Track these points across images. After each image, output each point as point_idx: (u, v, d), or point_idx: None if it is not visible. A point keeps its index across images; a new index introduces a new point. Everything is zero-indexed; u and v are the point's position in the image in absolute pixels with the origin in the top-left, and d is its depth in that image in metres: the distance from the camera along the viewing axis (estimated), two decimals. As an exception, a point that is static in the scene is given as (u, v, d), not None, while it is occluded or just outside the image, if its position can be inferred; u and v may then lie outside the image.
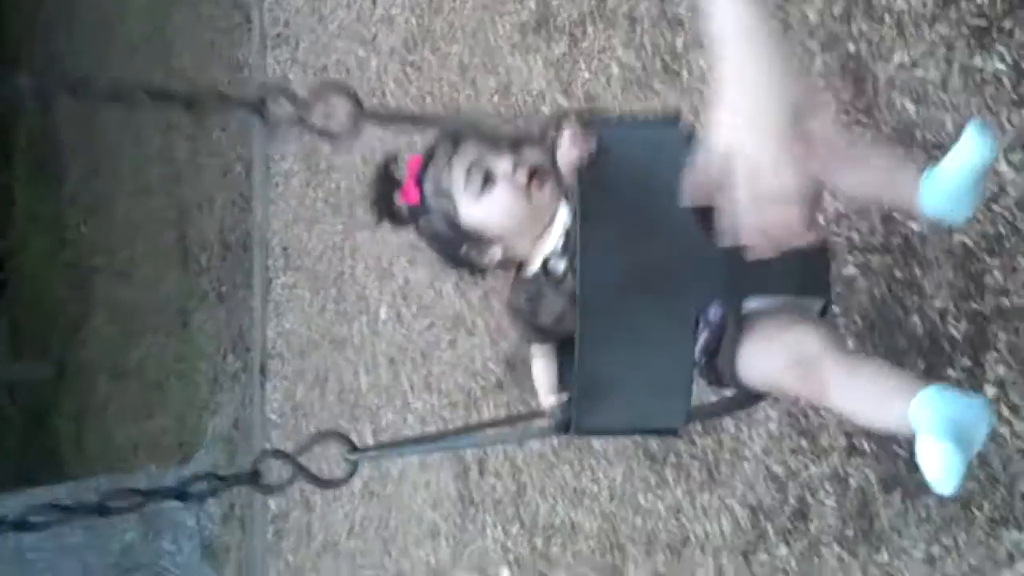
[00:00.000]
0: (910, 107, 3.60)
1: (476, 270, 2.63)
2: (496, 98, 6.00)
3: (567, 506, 5.33)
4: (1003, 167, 3.29)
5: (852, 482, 3.77)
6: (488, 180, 2.45)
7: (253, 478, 2.51)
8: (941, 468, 2.13)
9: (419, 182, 2.51)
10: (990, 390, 3.30)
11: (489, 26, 6.15)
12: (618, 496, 4.97)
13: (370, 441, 7.24)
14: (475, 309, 6.13)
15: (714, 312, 2.44)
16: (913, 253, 3.57)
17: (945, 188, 2.38)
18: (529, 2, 5.77)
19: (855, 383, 2.31)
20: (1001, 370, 3.28)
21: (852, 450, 3.78)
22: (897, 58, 3.67)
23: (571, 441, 5.26)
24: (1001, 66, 3.33)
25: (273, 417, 8.94)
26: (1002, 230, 3.30)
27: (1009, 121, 3.29)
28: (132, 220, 12.91)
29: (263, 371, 9.14)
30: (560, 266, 2.46)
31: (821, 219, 3.35)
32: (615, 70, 5.09)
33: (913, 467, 3.47)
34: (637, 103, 4.91)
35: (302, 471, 2.53)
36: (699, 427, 4.48)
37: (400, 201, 2.54)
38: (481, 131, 2.59)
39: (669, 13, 4.78)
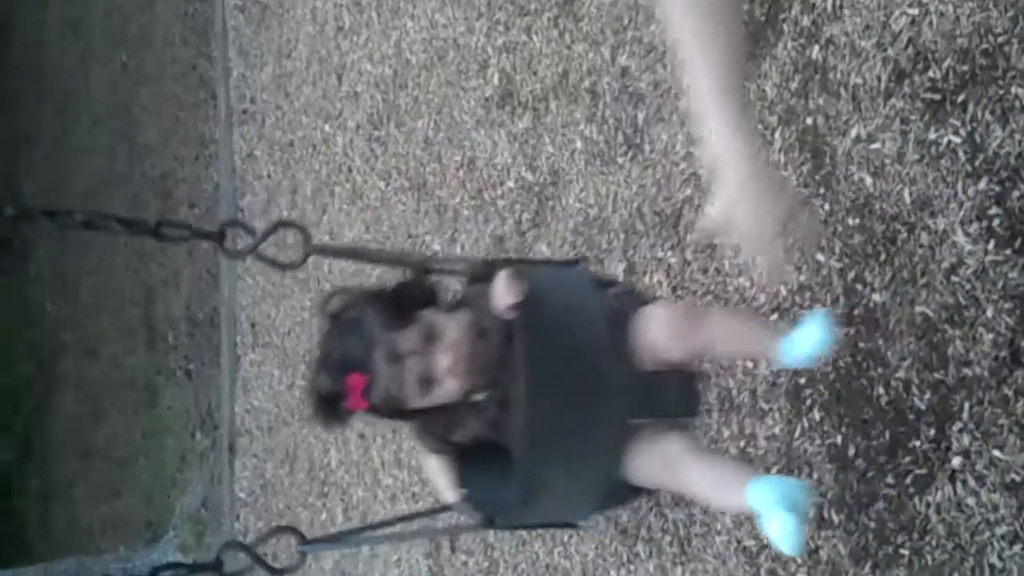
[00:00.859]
0: (868, 180, 3.64)
1: (409, 420, 2.89)
2: (461, 172, 6.04)
3: (539, 582, 5.30)
4: (960, 239, 3.33)
5: (822, 554, 3.76)
6: (430, 383, 2.69)
7: (217, 566, 2.64)
8: (785, 534, 2.53)
9: (365, 396, 2.68)
10: (956, 460, 3.32)
11: (454, 101, 6.20)
12: (590, 572, 4.95)
13: (340, 519, 7.20)
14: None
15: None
16: (876, 325, 3.60)
17: (797, 359, 2.94)
18: (493, 78, 5.83)
19: (705, 479, 2.82)
20: (966, 440, 3.29)
21: (821, 522, 3.78)
22: (854, 132, 3.72)
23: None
24: (956, 139, 3.37)
25: (242, 495, 8.87)
26: (962, 300, 3.33)
27: (965, 193, 3.33)
28: (98, 297, 12.87)
29: (232, 449, 9.08)
30: (481, 399, 2.77)
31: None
32: (578, 144, 5.13)
33: (883, 539, 3.49)
34: (600, 176, 4.95)
35: (258, 561, 2.70)
36: (670, 500, 4.47)
37: (348, 407, 2.71)
38: (424, 270, 2.98)
39: (630, 88, 4.83)
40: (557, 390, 2.73)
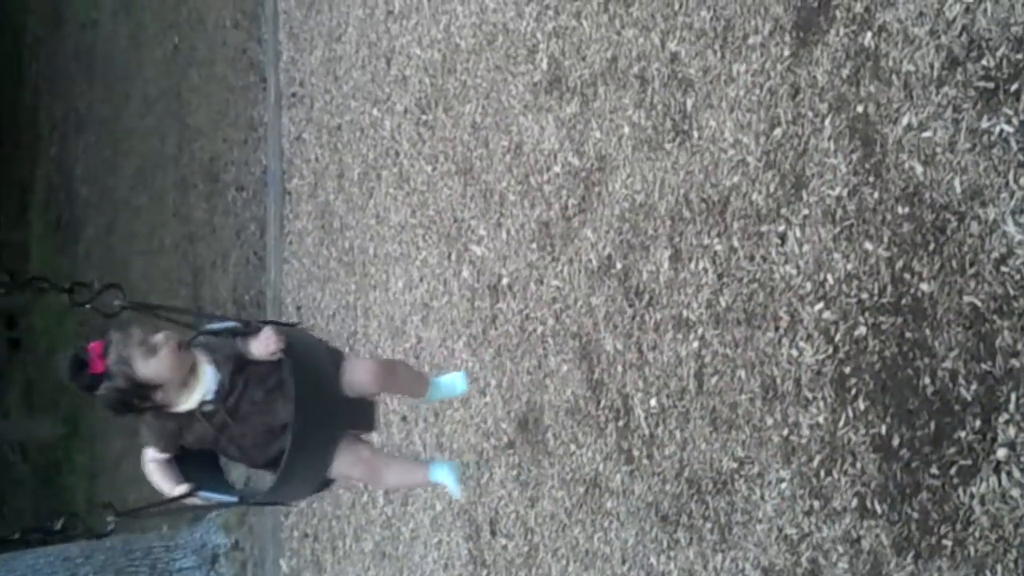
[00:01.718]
0: (918, 168, 3.62)
1: (141, 410, 3.84)
2: (508, 157, 6.05)
3: (579, 568, 5.30)
4: (1011, 228, 3.30)
5: (864, 544, 3.75)
6: (153, 349, 3.70)
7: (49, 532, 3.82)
8: (455, 488, 4.48)
9: (103, 357, 3.68)
10: (1001, 451, 3.29)
11: (502, 86, 6.20)
12: (630, 558, 4.95)
13: (381, 502, 7.24)
14: (487, 368, 6.14)
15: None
16: (923, 314, 3.57)
17: (433, 400, 5.22)
18: (541, 63, 5.82)
19: (394, 468, 4.54)
20: (1012, 431, 3.27)
21: (865, 512, 3.76)
22: (905, 120, 3.69)
23: (585, 502, 5.25)
24: (1008, 128, 3.34)
25: (285, 476, 8.91)
26: (1011, 291, 3.30)
27: (1016, 183, 3.30)
28: (147, 277, 12.97)
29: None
30: (210, 408, 3.87)
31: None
32: (626, 130, 5.12)
33: (926, 529, 3.47)
34: (647, 163, 4.94)
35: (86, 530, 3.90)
36: (711, 487, 4.47)
37: (89, 372, 3.69)
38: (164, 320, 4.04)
39: (679, 74, 4.82)
40: (314, 409, 3.93)
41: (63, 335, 15.63)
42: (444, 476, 4.47)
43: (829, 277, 3.96)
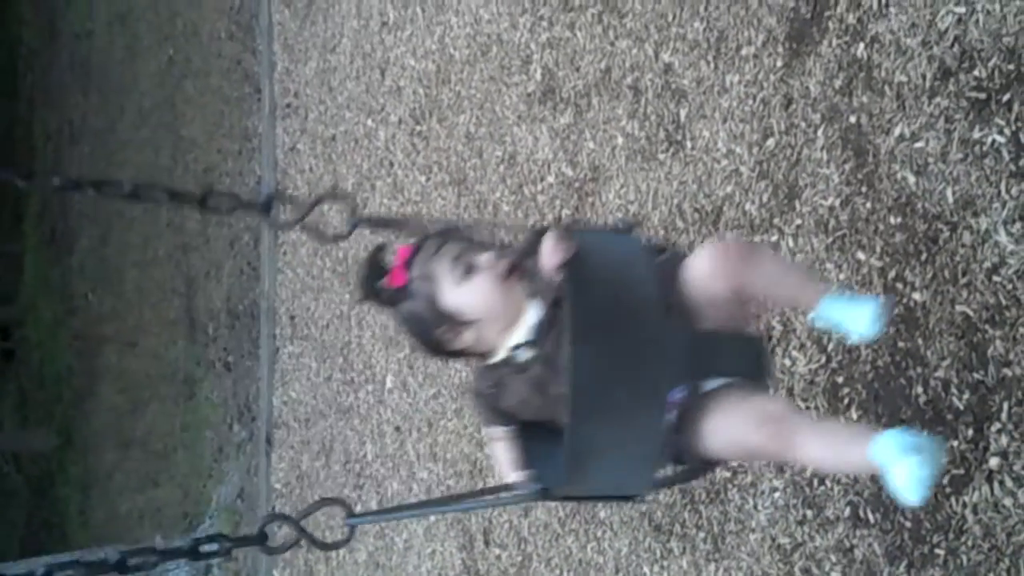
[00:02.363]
0: (910, 179, 3.63)
1: (446, 352, 2.86)
2: (502, 168, 6.06)
3: (572, 577, 5.30)
4: (1003, 238, 3.31)
5: (857, 553, 3.75)
6: (471, 270, 2.72)
7: (260, 539, 2.64)
8: (909, 480, 2.37)
9: (407, 267, 2.74)
10: (993, 460, 3.30)
11: (496, 97, 6.21)
12: (624, 567, 4.95)
13: (374, 507, 7.22)
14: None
15: (678, 394, 2.71)
16: (916, 324, 3.58)
17: (830, 324, 2.86)
18: (535, 73, 5.84)
19: (820, 434, 2.63)
20: (1004, 440, 3.28)
21: (858, 521, 3.76)
22: (898, 130, 3.71)
23: (577, 511, 5.25)
24: (1000, 138, 3.36)
25: (278, 487, 8.92)
26: (1003, 300, 3.31)
27: (1008, 193, 3.32)
28: (140, 289, 12.97)
29: (269, 440, 9.13)
30: (525, 356, 2.75)
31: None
32: (619, 140, 5.14)
33: (919, 539, 3.47)
34: (641, 173, 4.96)
35: (304, 534, 2.68)
36: (704, 497, 4.47)
37: (387, 283, 2.77)
38: (472, 237, 2.89)
39: (673, 84, 4.83)
40: (607, 351, 2.63)
41: (57, 347, 15.62)
42: (899, 458, 2.39)
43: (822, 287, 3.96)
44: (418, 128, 7.11)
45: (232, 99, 10.76)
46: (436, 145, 6.86)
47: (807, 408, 3.98)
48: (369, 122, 7.84)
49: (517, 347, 2.76)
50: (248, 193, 10.13)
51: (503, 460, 2.85)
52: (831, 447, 2.60)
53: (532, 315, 2.76)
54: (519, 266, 2.76)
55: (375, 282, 2.78)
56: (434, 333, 2.79)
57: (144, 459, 12.27)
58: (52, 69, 17.66)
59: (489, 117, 6.27)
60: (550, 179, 5.63)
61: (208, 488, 10.33)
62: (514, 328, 2.78)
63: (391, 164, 7.46)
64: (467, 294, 2.72)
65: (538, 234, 2.74)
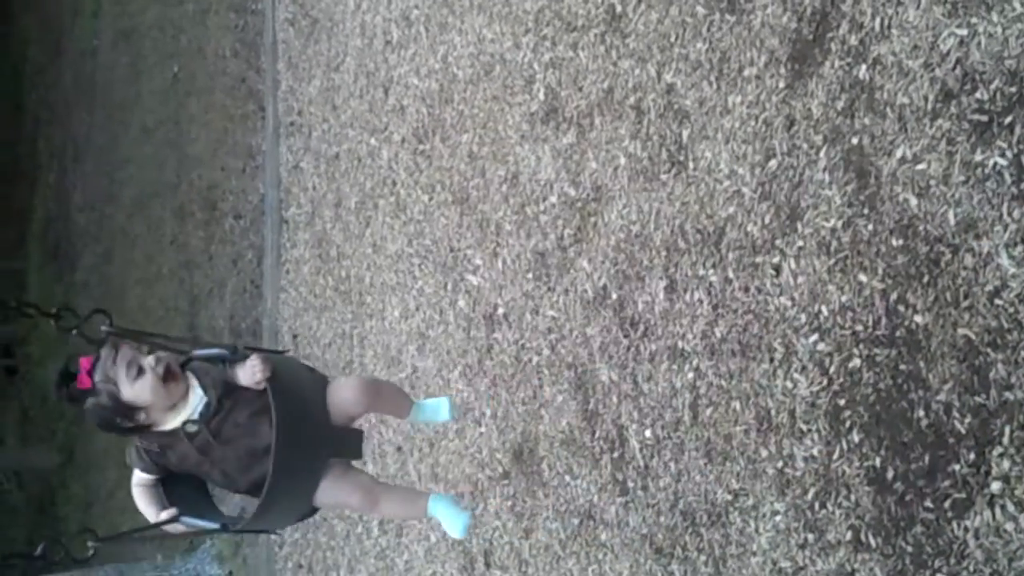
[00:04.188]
0: (912, 201, 3.62)
1: (125, 430, 3.84)
2: (505, 187, 6.05)
3: (573, 599, 5.27)
4: (1004, 261, 3.30)
5: (859, 577, 3.73)
6: (140, 372, 3.71)
7: (39, 557, 3.66)
8: (459, 526, 4.21)
9: (90, 374, 3.70)
10: (995, 485, 3.28)
11: (499, 116, 6.21)
12: (624, 589, 4.92)
13: (375, 532, 7.21)
14: (482, 398, 6.12)
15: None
16: (918, 347, 3.56)
17: (418, 420, 4.89)
18: (538, 93, 5.84)
19: (394, 497, 4.44)
20: (1006, 465, 3.25)
21: (859, 545, 3.74)
22: (900, 152, 3.69)
23: (579, 533, 5.22)
24: (1002, 161, 3.35)
25: (280, 505, 8.89)
26: (1005, 324, 3.29)
27: (1010, 216, 3.30)
28: (143, 306, 12.96)
29: (270, 459, 9.09)
30: (193, 428, 3.84)
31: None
32: (622, 160, 5.13)
33: (920, 563, 3.45)
34: (643, 193, 4.95)
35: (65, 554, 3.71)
36: (706, 520, 4.45)
37: (76, 386, 3.71)
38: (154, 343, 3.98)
39: (675, 105, 4.83)
40: (296, 435, 3.85)
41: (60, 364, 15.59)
42: (443, 512, 4.26)
43: (824, 309, 3.96)
44: (421, 147, 7.11)
45: (236, 117, 10.78)
46: (439, 164, 6.86)
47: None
48: (372, 141, 7.84)
49: (187, 422, 3.83)
50: (252, 211, 10.15)
51: (148, 502, 3.99)
52: (404, 505, 4.45)
53: (196, 399, 3.85)
54: (175, 367, 3.81)
55: (66, 386, 3.72)
56: (115, 419, 3.76)
57: (146, 477, 12.22)
58: (57, 86, 17.70)
59: (492, 136, 6.26)
60: (552, 199, 5.62)
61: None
62: (178, 409, 3.84)
63: (394, 183, 7.46)
64: (138, 390, 3.71)
65: (233, 349, 4.02)
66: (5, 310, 3.95)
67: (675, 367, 4.67)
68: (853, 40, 3.95)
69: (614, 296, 5.11)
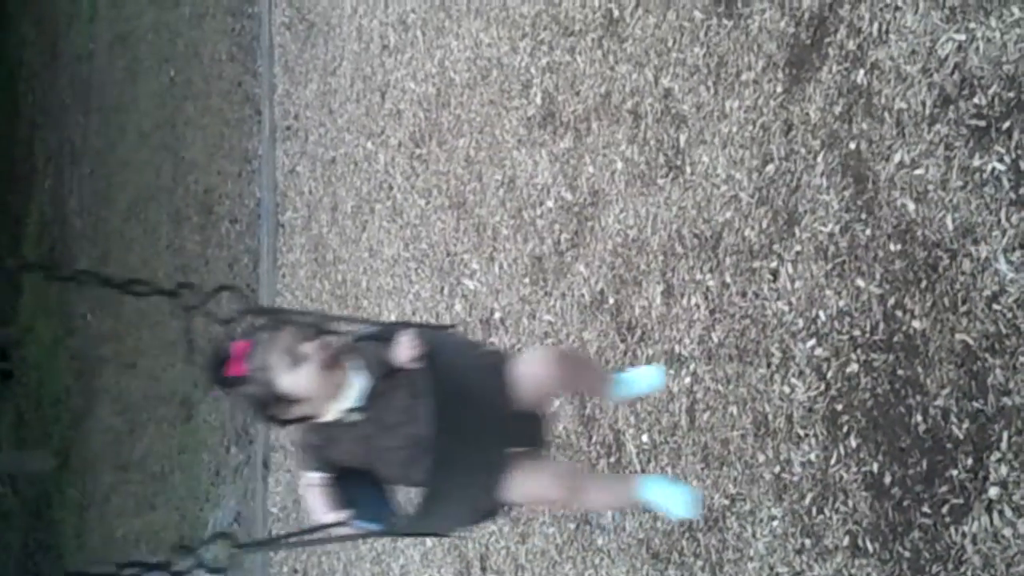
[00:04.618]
0: (910, 206, 3.61)
1: (282, 422, 3.42)
2: (501, 192, 6.04)
3: (569, 604, 5.26)
4: (1002, 266, 3.29)
5: (856, 583, 3.73)
6: (298, 360, 3.29)
7: (164, 566, 3.15)
8: (681, 502, 3.64)
9: (246, 359, 3.30)
10: (993, 490, 3.27)
11: (496, 121, 6.21)
12: (620, 594, 4.91)
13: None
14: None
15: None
16: (916, 352, 3.56)
17: (622, 396, 4.10)
18: (535, 98, 5.83)
19: (599, 485, 3.98)
20: (1004, 470, 3.25)
21: (856, 550, 3.74)
22: (897, 157, 3.69)
23: (575, 538, 5.21)
24: (1000, 166, 3.34)
25: (275, 511, 8.88)
26: (1003, 329, 3.29)
27: (1008, 221, 3.30)
28: (139, 310, 12.92)
29: (266, 464, 9.09)
30: (354, 418, 3.40)
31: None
32: (619, 165, 5.13)
33: (918, 569, 3.44)
34: (640, 198, 4.94)
35: (200, 563, 3.20)
36: (702, 525, 4.44)
37: (229, 373, 3.32)
38: (314, 326, 3.52)
39: (672, 109, 4.82)
40: (455, 425, 3.35)
41: (55, 368, 15.59)
42: (660, 493, 3.68)
43: (821, 314, 3.95)
44: (418, 151, 7.11)
45: (232, 121, 10.76)
46: (436, 168, 6.85)
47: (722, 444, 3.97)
48: (369, 145, 7.83)
49: (348, 411, 3.40)
50: (248, 215, 10.14)
51: (318, 502, 3.46)
52: (610, 491, 3.91)
53: (357, 386, 3.41)
54: (338, 354, 3.38)
55: (218, 371, 3.33)
56: (271, 410, 3.36)
57: (141, 481, 12.22)
58: (53, 90, 17.68)
59: (489, 141, 6.26)
60: (549, 203, 5.62)
61: (205, 512, 10.28)
62: (339, 398, 3.39)
63: (390, 187, 7.45)
64: (297, 381, 3.29)
65: (391, 328, 3.56)
66: (114, 286, 3.53)
67: (672, 372, 4.67)
68: (851, 45, 3.94)
69: (611, 301, 5.10)
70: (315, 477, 3.47)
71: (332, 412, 3.40)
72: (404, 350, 3.40)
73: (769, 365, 4.18)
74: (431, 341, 3.45)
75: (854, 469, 3.76)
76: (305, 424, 3.43)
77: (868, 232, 3.78)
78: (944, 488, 3.43)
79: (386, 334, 3.53)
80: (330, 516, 3.44)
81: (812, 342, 3.98)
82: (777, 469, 4.10)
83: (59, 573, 11.95)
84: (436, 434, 3.29)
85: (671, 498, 3.63)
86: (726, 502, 4.35)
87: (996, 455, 3.28)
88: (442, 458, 3.32)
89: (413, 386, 3.38)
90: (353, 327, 3.74)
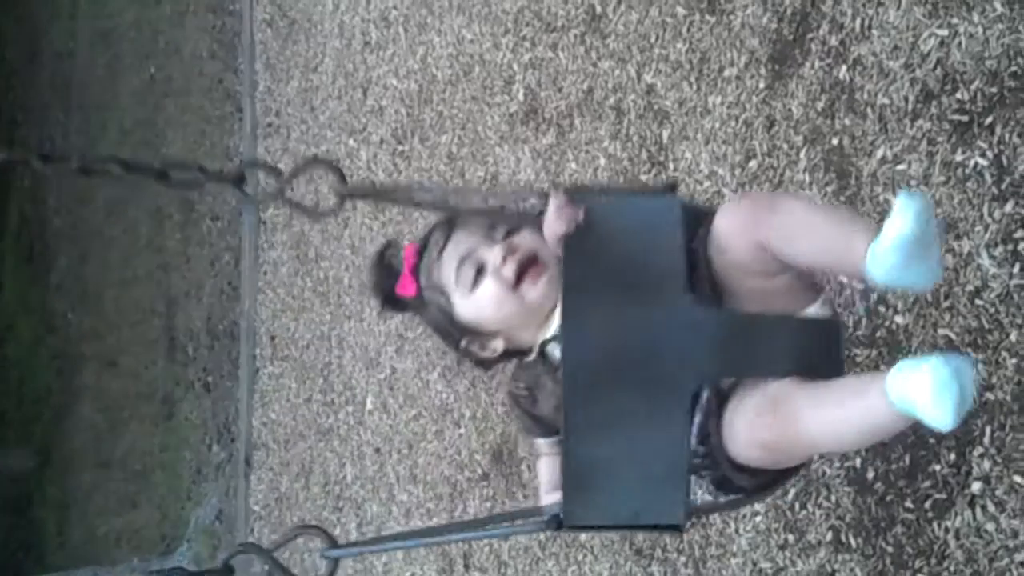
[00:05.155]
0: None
1: (481, 363, 2.52)
2: (484, 188, 6.03)
3: (552, 601, 5.26)
4: (985, 262, 3.30)
5: (839, 578, 3.73)
6: (480, 272, 2.37)
7: (226, 572, 2.35)
8: (946, 409, 1.89)
9: (415, 274, 2.45)
10: (975, 485, 3.28)
11: (478, 117, 6.19)
12: (604, 591, 4.91)
13: (353, 535, 7.16)
14: (462, 400, 6.10)
15: (706, 392, 2.25)
16: (899, 347, 3.56)
17: (889, 261, 2.08)
18: (518, 94, 5.82)
19: (829, 400, 2.11)
20: (986, 465, 3.25)
21: (839, 545, 3.74)
22: (880, 152, 3.70)
23: (558, 534, 5.20)
24: (982, 161, 3.35)
25: (257, 509, 8.85)
26: (986, 324, 3.29)
27: (991, 216, 3.30)
28: (120, 308, 12.88)
29: (248, 462, 9.06)
30: (558, 352, 2.30)
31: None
32: (602, 161, 5.12)
33: (901, 564, 3.44)
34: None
35: (279, 568, 2.41)
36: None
37: (399, 291, 2.49)
38: (469, 212, 2.51)
39: (655, 105, 4.82)
40: (609, 343, 2.24)
41: (36, 365, 15.51)
42: (922, 388, 1.89)
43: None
44: (400, 148, 7.09)
45: (214, 118, 10.72)
46: (418, 165, 6.84)
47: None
48: (351, 142, 7.81)
49: (548, 341, 2.37)
50: (229, 213, 10.10)
51: (542, 480, 2.48)
52: (846, 407, 2.07)
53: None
54: (535, 261, 2.36)
55: (388, 289, 2.51)
56: (460, 345, 2.49)
57: (123, 480, 12.17)
58: (33, 87, 17.57)
59: (471, 137, 6.25)
60: (533, 200, 5.60)
61: (187, 510, 10.25)
62: (547, 322, 2.38)
63: (373, 184, 7.43)
64: (478, 305, 2.39)
65: (546, 195, 2.34)
66: (140, 172, 2.30)
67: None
68: (833, 41, 3.95)
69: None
70: (542, 444, 2.48)
71: (537, 344, 2.42)
72: (547, 227, 2.29)
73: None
74: (593, 211, 2.29)
75: (837, 464, 3.77)
76: (513, 365, 2.51)
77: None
78: (927, 483, 3.43)
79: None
80: (549, 497, 2.43)
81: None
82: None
83: (40, 572, 11.86)
84: (570, 364, 2.25)
85: (935, 394, 1.88)
86: (709, 498, 4.34)
87: (979, 450, 3.28)
88: (583, 405, 2.24)
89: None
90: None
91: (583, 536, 5.03)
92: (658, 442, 2.23)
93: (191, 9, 11.79)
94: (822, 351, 2.29)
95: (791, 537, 3.94)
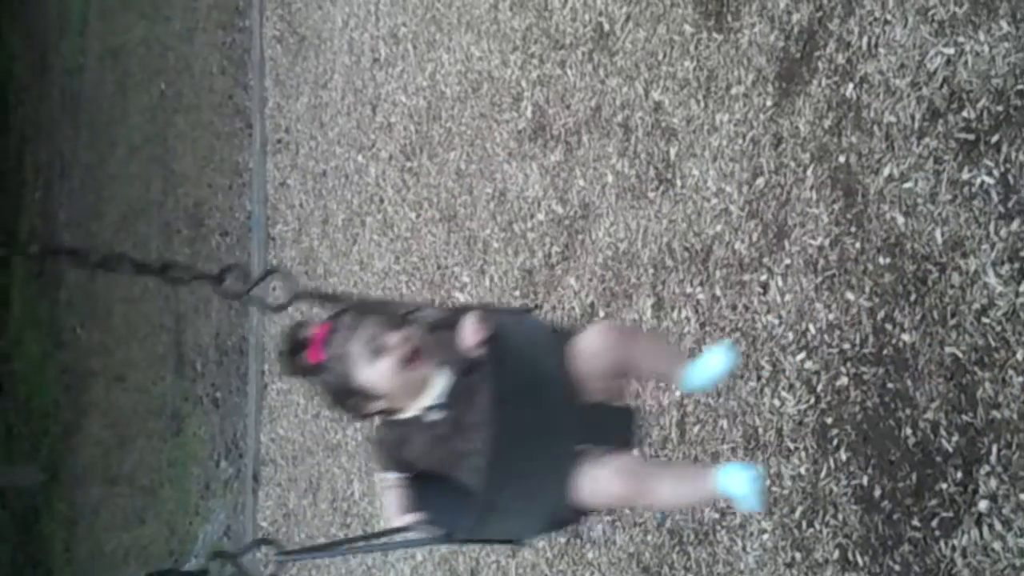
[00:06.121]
0: (899, 219, 3.62)
1: (359, 416, 3.12)
2: (492, 204, 6.04)
3: (559, 618, 5.25)
4: (991, 280, 3.30)
5: (846, 596, 3.72)
6: (379, 351, 2.96)
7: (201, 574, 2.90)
8: (755, 498, 2.93)
9: (324, 346, 2.99)
10: (983, 503, 3.27)
11: (486, 134, 6.21)
12: (611, 608, 4.90)
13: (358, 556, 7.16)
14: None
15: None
16: (905, 365, 3.56)
17: (696, 384, 3.19)
18: (526, 111, 5.84)
19: (672, 476, 3.24)
20: (993, 483, 3.25)
21: (846, 564, 3.73)
22: (887, 170, 3.70)
23: (566, 552, 5.20)
24: (989, 180, 3.35)
25: (265, 525, 8.85)
26: (992, 342, 3.29)
27: (997, 234, 3.31)
28: (128, 324, 12.91)
29: (256, 478, 9.06)
30: (434, 416, 3.02)
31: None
32: (610, 178, 5.13)
33: (907, 582, 3.43)
34: (631, 211, 4.95)
35: (241, 570, 2.92)
36: (693, 538, 4.43)
37: (306, 359, 3.02)
38: (387, 314, 3.12)
39: (663, 123, 4.83)
40: (520, 419, 2.96)
41: (44, 381, 15.55)
42: (738, 484, 2.99)
43: (811, 327, 3.95)
44: (408, 164, 7.11)
45: (223, 134, 10.76)
46: (426, 181, 6.85)
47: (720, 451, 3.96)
48: (360, 158, 7.83)
49: (428, 408, 3.03)
50: (238, 229, 10.13)
51: (394, 504, 3.11)
52: (682, 485, 3.16)
53: (441, 381, 3.03)
54: (423, 349, 3.00)
55: (295, 357, 3.05)
56: (348, 403, 3.06)
57: (131, 495, 12.17)
58: (43, 103, 17.65)
59: (480, 154, 6.26)
60: (540, 216, 5.62)
61: (194, 526, 10.24)
62: (421, 394, 3.04)
63: (381, 200, 7.45)
64: (376, 375, 2.96)
65: (457, 312, 3.09)
66: (149, 272, 3.19)
67: (662, 385, 4.66)
68: (840, 59, 3.96)
69: (601, 314, 5.10)
70: (390, 478, 3.16)
71: (411, 409, 3.08)
72: (467, 334, 3.03)
73: (759, 378, 4.18)
74: (499, 325, 3.06)
75: (844, 482, 3.76)
76: (382, 419, 3.15)
77: (858, 245, 3.79)
78: (934, 501, 3.43)
79: (455, 320, 3.11)
80: (403, 519, 3.11)
81: (802, 355, 3.98)
82: (767, 482, 4.10)
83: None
84: (497, 434, 2.94)
85: (748, 488, 2.96)
86: (716, 516, 4.34)
87: (986, 468, 3.28)
88: (500, 459, 2.95)
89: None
90: (422, 313, 3.29)
91: (590, 554, 5.04)
92: (538, 490, 3.05)
93: (201, 26, 11.84)
94: (630, 428, 3.21)
95: (798, 555, 3.94)
